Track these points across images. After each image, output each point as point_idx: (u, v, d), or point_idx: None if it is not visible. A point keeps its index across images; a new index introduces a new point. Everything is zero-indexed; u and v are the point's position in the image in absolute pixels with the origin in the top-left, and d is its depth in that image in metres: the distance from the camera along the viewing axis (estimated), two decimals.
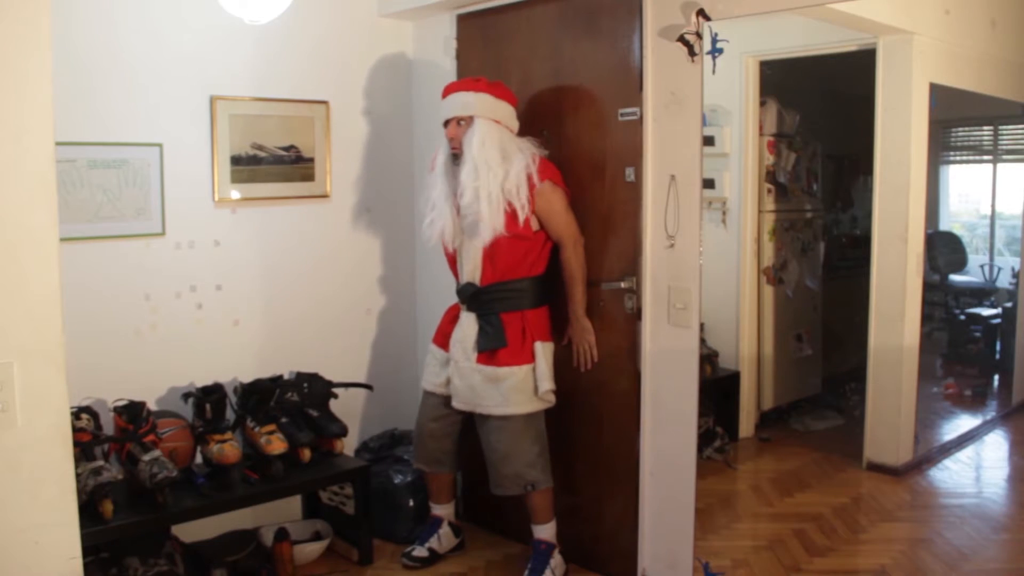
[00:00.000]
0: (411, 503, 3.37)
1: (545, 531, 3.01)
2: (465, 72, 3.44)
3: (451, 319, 3.09)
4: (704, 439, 3.36)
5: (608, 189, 2.97)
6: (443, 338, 3.10)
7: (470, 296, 2.98)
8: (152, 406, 2.98)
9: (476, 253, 2.93)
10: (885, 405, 3.24)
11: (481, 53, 3.40)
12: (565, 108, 3.10)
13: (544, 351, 2.94)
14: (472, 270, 2.96)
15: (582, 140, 3.06)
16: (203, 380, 3.13)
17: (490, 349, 2.91)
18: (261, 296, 3.37)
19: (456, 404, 3.02)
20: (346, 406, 3.47)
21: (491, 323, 2.92)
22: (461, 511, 3.64)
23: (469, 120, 2.88)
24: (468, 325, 2.97)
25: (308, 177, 3.45)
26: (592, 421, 3.11)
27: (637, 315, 2.90)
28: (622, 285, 2.92)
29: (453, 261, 3.07)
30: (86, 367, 2.87)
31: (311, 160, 3.44)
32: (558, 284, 2.99)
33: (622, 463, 3.00)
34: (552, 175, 2.91)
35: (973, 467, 3.55)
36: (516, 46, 3.26)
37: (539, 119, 3.16)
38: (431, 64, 3.66)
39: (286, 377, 3.29)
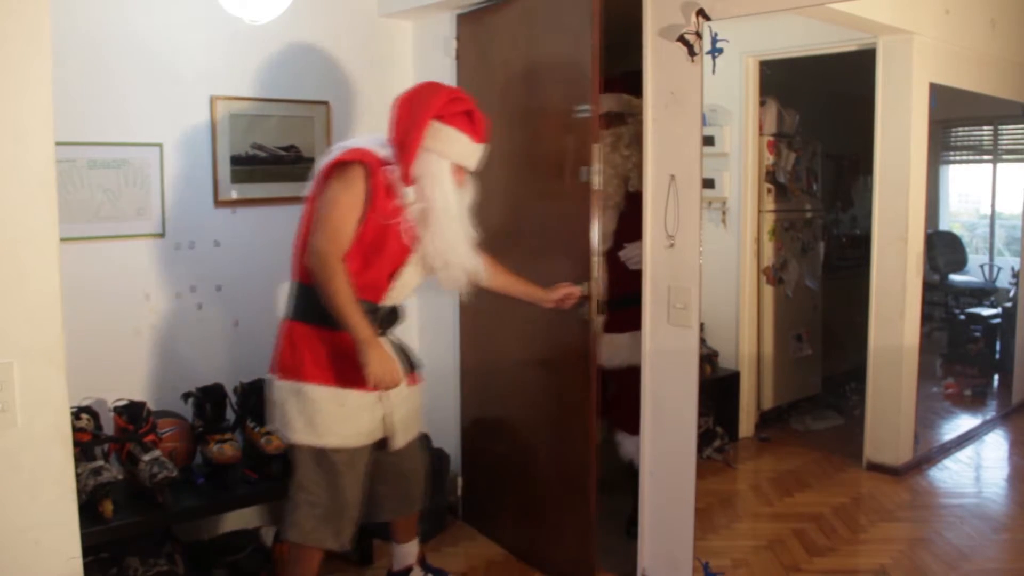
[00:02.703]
0: None
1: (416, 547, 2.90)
2: (465, 72, 3.44)
3: (338, 353, 2.43)
4: (704, 439, 3.36)
5: (565, 190, 2.96)
6: (356, 373, 2.37)
7: (395, 318, 2.61)
8: (152, 406, 2.98)
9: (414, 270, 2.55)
10: (885, 405, 3.24)
11: (479, 53, 3.40)
12: (533, 106, 3.12)
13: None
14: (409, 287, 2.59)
15: (544, 140, 3.08)
16: (203, 380, 3.13)
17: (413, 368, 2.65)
18: (261, 296, 3.37)
19: (400, 442, 2.61)
20: None
21: (397, 342, 2.63)
22: (461, 512, 3.64)
23: None
24: (388, 348, 2.50)
25: (308, 177, 3.45)
26: (546, 430, 3.14)
27: (592, 321, 2.88)
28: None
29: (389, 276, 2.50)
30: (86, 367, 2.87)
31: (311, 160, 3.44)
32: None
33: (575, 474, 3.00)
34: (358, 156, 2.37)
35: (973, 467, 3.55)
36: (503, 45, 3.28)
37: (513, 119, 3.18)
38: (431, 64, 3.66)
39: None
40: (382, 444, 2.60)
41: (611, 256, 3.39)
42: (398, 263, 2.47)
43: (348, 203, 2.36)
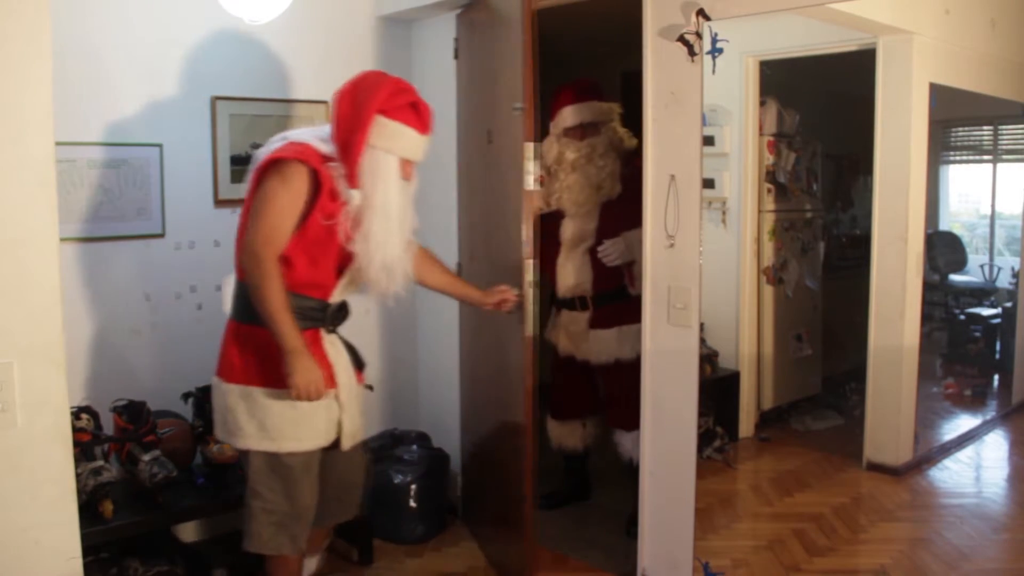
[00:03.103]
0: (412, 503, 3.37)
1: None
2: (464, 72, 3.44)
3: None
4: (704, 439, 3.36)
5: (508, 191, 2.95)
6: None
7: (344, 315, 2.54)
8: (152, 406, 2.98)
9: None
10: (885, 405, 3.24)
11: (477, 52, 3.40)
12: (495, 107, 3.14)
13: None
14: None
15: (496, 141, 3.08)
16: (203, 380, 3.12)
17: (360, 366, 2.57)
18: None
19: (349, 443, 2.49)
20: None
21: (346, 341, 2.54)
22: (460, 512, 3.65)
23: None
24: (338, 346, 2.47)
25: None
26: (499, 426, 3.16)
27: (525, 323, 2.83)
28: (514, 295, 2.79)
29: (337, 273, 2.41)
30: (86, 367, 2.87)
31: None
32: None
33: (512, 494, 3.01)
34: (299, 154, 2.25)
35: (973, 467, 3.55)
36: (491, 46, 3.30)
37: (482, 120, 3.20)
38: (431, 64, 3.66)
39: None
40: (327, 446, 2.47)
41: (594, 253, 3.40)
42: (346, 261, 2.36)
43: (286, 202, 2.23)
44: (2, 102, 1.64)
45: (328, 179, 2.26)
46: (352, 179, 2.29)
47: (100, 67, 2.94)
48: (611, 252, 3.33)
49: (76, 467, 1.84)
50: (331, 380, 2.36)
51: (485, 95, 3.24)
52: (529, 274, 2.84)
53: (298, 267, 2.29)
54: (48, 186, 1.71)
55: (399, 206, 2.34)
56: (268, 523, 2.37)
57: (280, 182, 2.23)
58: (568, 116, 3.43)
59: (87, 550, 1.87)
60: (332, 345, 2.43)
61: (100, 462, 2.67)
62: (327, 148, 2.30)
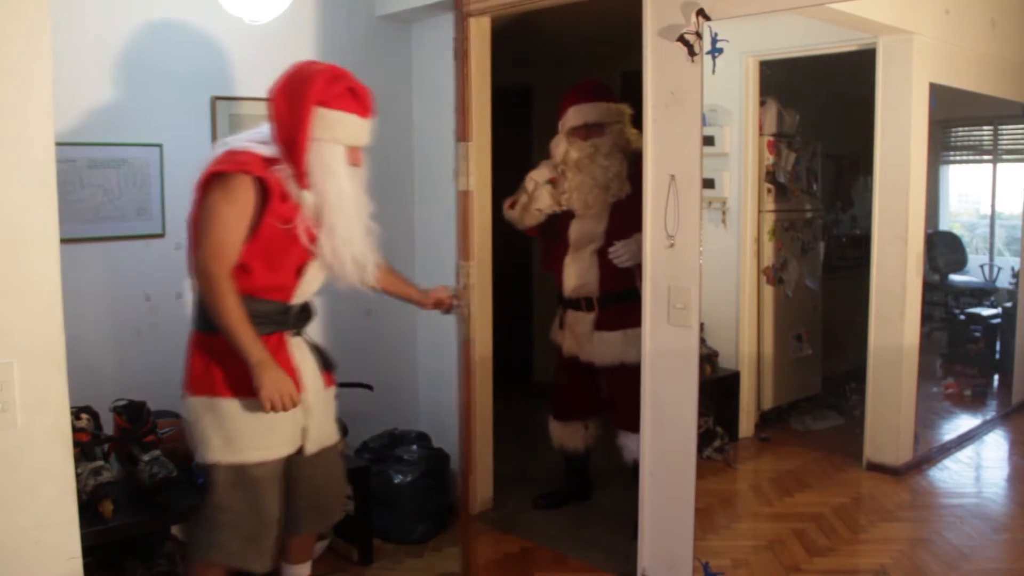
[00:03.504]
0: (412, 503, 3.37)
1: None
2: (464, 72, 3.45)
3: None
4: (704, 439, 3.36)
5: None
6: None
7: (307, 316, 2.50)
8: (152, 406, 2.98)
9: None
10: (885, 405, 3.24)
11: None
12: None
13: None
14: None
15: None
16: None
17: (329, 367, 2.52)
18: None
19: (313, 447, 2.42)
20: (346, 406, 3.46)
21: (312, 342, 2.51)
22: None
23: None
24: (303, 349, 2.43)
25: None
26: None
27: (465, 326, 2.79)
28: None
29: (296, 274, 2.35)
30: (86, 367, 2.87)
31: None
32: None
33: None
34: (240, 165, 2.18)
35: (973, 467, 3.55)
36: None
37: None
38: (431, 64, 3.66)
39: None
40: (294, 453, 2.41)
41: (602, 254, 3.39)
42: (303, 261, 2.31)
43: (231, 215, 2.16)
44: (2, 102, 1.64)
45: (276, 184, 2.19)
46: (301, 178, 2.23)
47: (100, 67, 2.94)
48: (623, 253, 3.31)
49: (76, 467, 1.84)
50: (297, 384, 2.28)
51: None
52: (466, 276, 2.78)
53: (256, 273, 2.24)
54: (48, 186, 1.71)
55: (353, 196, 2.29)
56: (236, 537, 2.30)
57: (223, 195, 2.16)
58: (572, 116, 3.43)
59: (87, 550, 1.86)
60: (297, 348, 2.37)
61: (100, 462, 2.66)
62: (269, 150, 2.23)
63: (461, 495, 2.86)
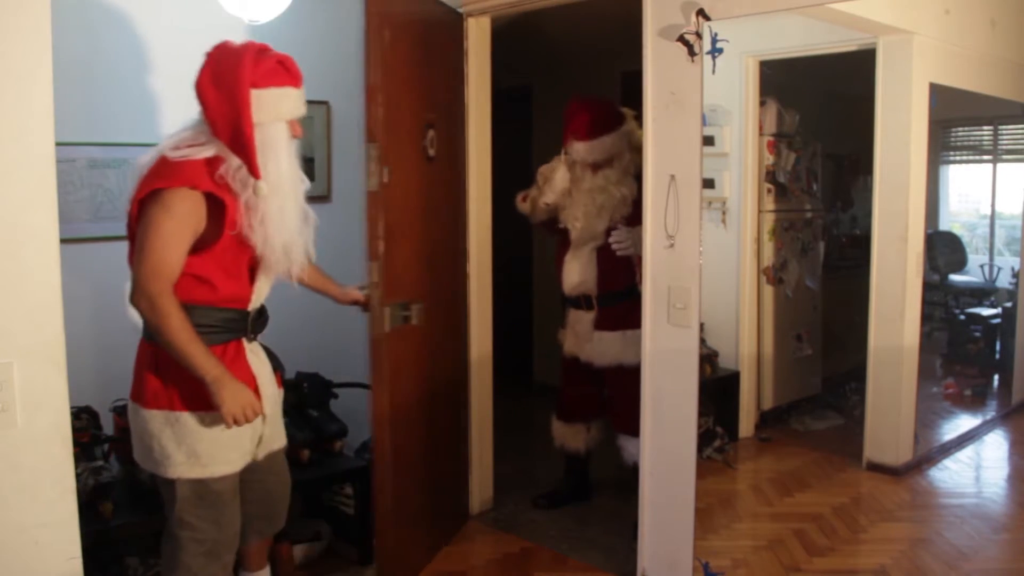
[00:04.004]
0: None
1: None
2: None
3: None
4: (704, 439, 3.36)
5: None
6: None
7: (265, 320, 2.43)
8: None
9: None
10: (885, 405, 3.24)
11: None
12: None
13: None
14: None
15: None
16: None
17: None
18: None
19: (262, 453, 2.35)
20: (346, 406, 3.47)
21: (263, 345, 2.43)
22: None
23: None
24: (260, 354, 2.36)
25: (308, 177, 3.45)
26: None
27: (374, 325, 2.73)
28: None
29: (251, 280, 2.27)
30: (86, 367, 2.87)
31: (311, 160, 3.44)
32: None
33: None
34: (184, 181, 2.06)
35: (973, 467, 3.55)
36: None
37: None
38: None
39: (285, 377, 3.28)
40: None
41: (602, 252, 3.38)
42: (256, 263, 2.22)
43: (171, 231, 2.05)
44: (2, 102, 1.64)
45: (226, 190, 2.08)
46: (254, 168, 2.10)
47: (101, 67, 2.94)
48: (624, 239, 3.26)
49: (76, 467, 1.84)
50: (256, 392, 2.21)
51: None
52: (373, 275, 2.78)
53: (218, 284, 2.16)
54: (48, 186, 1.71)
55: (291, 174, 2.19)
56: (198, 553, 2.21)
57: (163, 211, 2.04)
58: (580, 151, 3.35)
59: (87, 550, 1.86)
60: (255, 354, 2.30)
61: (100, 462, 2.67)
62: (209, 150, 2.11)
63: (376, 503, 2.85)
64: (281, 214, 2.14)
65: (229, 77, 2.09)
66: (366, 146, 2.73)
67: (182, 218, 2.05)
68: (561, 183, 3.41)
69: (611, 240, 3.30)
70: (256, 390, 2.22)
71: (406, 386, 2.98)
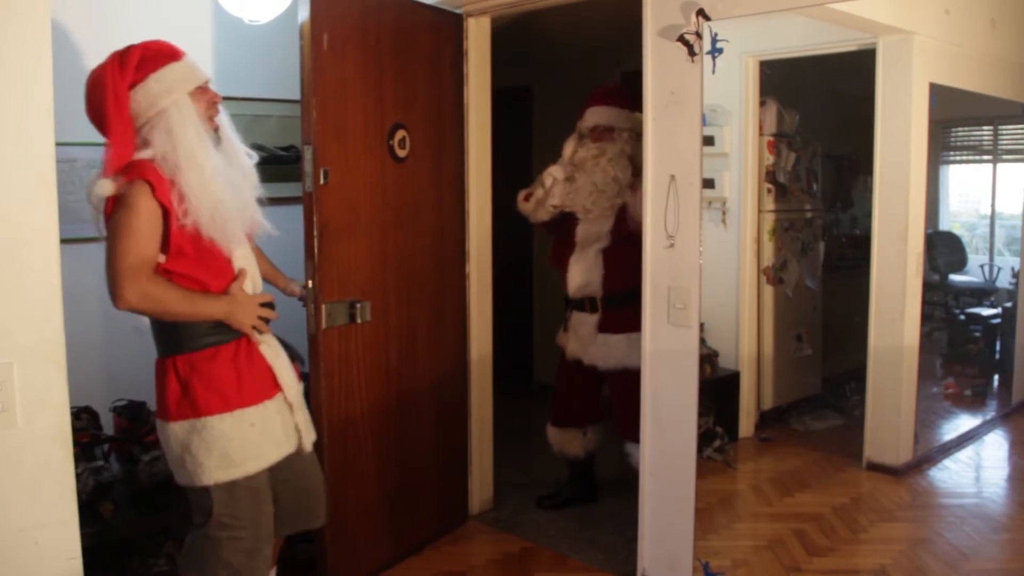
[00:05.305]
0: None
1: None
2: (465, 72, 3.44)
3: (226, 371, 2.22)
4: (704, 439, 3.36)
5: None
6: (252, 384, 2.24)
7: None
8: (152, 406, 2.98)
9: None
10: (885, 405, 3.24)
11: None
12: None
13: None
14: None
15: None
16: None
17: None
18: None
19: (310, 442, 2.42)
20: None
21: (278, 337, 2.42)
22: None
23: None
24: (275, 346, 2.35)
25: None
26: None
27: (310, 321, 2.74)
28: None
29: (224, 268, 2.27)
30: (86, 367, 2.87)
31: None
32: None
33: None
34: (139, 172, 2.08)
35: (973, 467, 3.55)
36: None
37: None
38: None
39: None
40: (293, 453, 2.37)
41: (607, 254, 3.39)
42: (224, 251, 2.22)
43: (136, 227, 2.06)
44: (2, 102, 1.64)
45: (162, 184, 2.08)
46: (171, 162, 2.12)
47: None
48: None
49: (76, 467, 1.84)
50: (274, 384, 2.26)
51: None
52: (307, 273, 2.76)
53: (211, 284, 2.19)
54: (48, 186, 1.71)
55: (200, 143, 2.15)
56: (238, 550, 2.23)
57: (124, 210, 2.06)
58: (587, 116, 3.50)
59: (87, 550, 1.87)
60: (268, 346, 2.30)
61: (100, 462, 2.67)
62: (145, 154, 2.13)
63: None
64: (201, 181, 2.11)
65: (102, 92, 2.12)
66: (301, 148, 2.74)
67: (143, 211, 2.07)
68: (557, 173, 3.46)
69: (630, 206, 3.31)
70: (274, 381, 2.26)
71: (355, 383, 2.94)
